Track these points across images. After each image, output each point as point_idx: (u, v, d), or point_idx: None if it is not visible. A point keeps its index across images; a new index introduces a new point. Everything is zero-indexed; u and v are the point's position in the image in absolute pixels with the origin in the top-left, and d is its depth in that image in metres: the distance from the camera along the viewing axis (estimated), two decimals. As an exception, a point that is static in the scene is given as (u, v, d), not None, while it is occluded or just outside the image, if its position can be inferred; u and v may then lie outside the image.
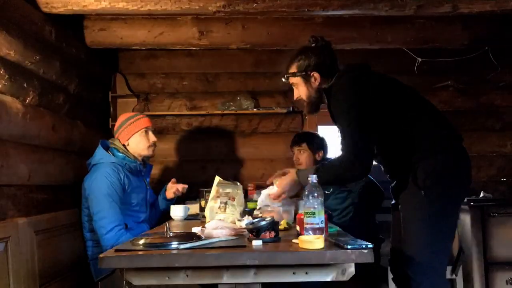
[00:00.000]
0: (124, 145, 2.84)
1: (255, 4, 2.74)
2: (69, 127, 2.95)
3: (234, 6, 2.74)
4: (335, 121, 2.23)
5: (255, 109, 3.90)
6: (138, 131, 2.84)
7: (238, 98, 3.89)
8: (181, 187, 3.06)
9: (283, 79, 2.34)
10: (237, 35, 3.35)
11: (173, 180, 3.12)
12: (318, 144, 3.28)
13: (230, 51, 3.85)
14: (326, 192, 3.16)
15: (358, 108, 2.08)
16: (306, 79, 2.26)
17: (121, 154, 2.80)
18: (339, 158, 2.12)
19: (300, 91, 2.31)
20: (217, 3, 2.73)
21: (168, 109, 3.99)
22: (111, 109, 3.85)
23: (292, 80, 2.31)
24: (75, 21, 3.15)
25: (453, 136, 2.20)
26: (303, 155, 3.25)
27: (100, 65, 3.64)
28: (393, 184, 2.31)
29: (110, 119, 3.84)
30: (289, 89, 3.95)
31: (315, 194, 1.79)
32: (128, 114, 2.99)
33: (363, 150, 2.06)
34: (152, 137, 2.89)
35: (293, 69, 2.29)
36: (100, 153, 2.76)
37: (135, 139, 2.84)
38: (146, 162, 2.99)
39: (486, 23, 3.39)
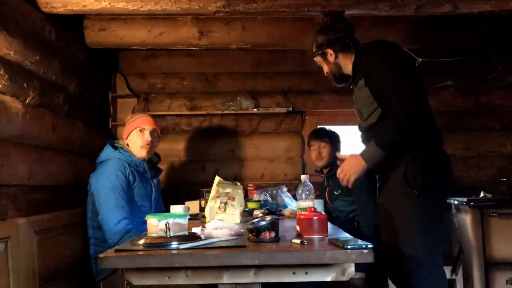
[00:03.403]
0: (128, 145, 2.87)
1: (255, 4, 2.74)
2: (69, 127, 2.95)
3: (234, 6, 2.74)
4: (376, 90, 2.22)
5: (255, 109, 3.90)
6: (134, 129, 2.84)
7: (238, 98, 3.89)
8: None
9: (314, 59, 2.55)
10: (237, 35, 3.35)
11: None
12: (337, 142, 3.35)
13: (230, 51, 3.85)
14: (335, 193, 3.18)
15: (404, 66, 2.23)
16: (323, 56, 2.46)
17: (127, 153, 2.81)
18: (393, 116, 2.12)
19: (324, 67, 2.52)
20: (217, 3, 2.73)
21: (168, 109, 3.99)
22: (111, 109, 3.86)
23: (316, 59, 2.52)
24: (75, 21, 3.16)
25: (440, 136, 2.28)
26: (325, 149, 3.28)
27: (100, 65, 3.65)
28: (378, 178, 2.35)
29: (110, 119, 3.84)
30: (289, 90, 4.02)
31: (307, 193, 2.06)
32: (130, 115, 3.03)
33: (417, 103, 2.12)
34: (147, 137, 2.82)
35: (313, 49, 2.50)
36: (107, 151, 2.79)
37: (131, 137, 2.84)
38: (154, 163, 2.99)
39: (486, 23, 3.39)
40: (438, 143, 2.25)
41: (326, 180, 3.30)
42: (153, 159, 3.00)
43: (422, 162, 2.14)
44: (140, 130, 2.83)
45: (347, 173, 2.23)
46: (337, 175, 2.28)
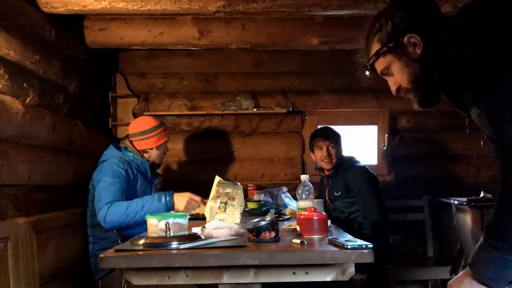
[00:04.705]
0: (141, 149, 2.93)
1: (255, 4, 2.73)
2: (69, 127, 2.95)
3: (234, 6, 2.74)
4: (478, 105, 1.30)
5: (255, 109, 3.90)
6: (165, 140, 3.02)
7: (238, 98, 3.89)
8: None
9: (367, 73, 1.53)
10: (237, 35, 3.35)
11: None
12: (341, 142, 3.25)
13: (230, 51, 3.85)
14: (335, 194, 3.17)
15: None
16: (398, 51, 1.40)
17: (130, 153, 2.88)
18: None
19: (397, 75, 1.45)
20: (217, 3, 2.73)
21: (168, 109, 3.99)
22: (111, 109, 3.85)
23: (380, 64, 1.46)
24: (75, 21, 3.15)
25: None
26: (334, 150, 3.16)
27: (100, 65, 3.64)
28: None
29: (110, 119, 3.84)
30: (289, 90, 4.02)
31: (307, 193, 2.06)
32: (154, 121, 3.00)
33: None
34: (168, 149, 3.11)
35: (375, 46, 1.45)
36: (109, 151, 2.85)
37: (160, 149, 3.01)
38: (155, 167, 3.05)
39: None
40: None
41: (327, 179, 3.28)
42: (154, 165, 3.06)
43: None
44: (166, 143, 3.06)
45: None
46: None
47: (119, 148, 2.89)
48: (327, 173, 3.22)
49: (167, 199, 2.54)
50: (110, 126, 3.85)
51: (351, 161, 3.21)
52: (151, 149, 2.96)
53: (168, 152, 3.92)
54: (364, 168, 3.17)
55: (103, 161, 2.79)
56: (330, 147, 3.16)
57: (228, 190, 2.35)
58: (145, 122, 2.99)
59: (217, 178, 2.41)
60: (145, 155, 2.95)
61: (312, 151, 3.28)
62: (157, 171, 3.15)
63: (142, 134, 2.92)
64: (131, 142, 2.93)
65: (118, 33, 3.32)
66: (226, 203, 2.33)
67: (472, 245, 3.20)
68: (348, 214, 3.13)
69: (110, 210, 2.51)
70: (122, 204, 2.55)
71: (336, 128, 3.38)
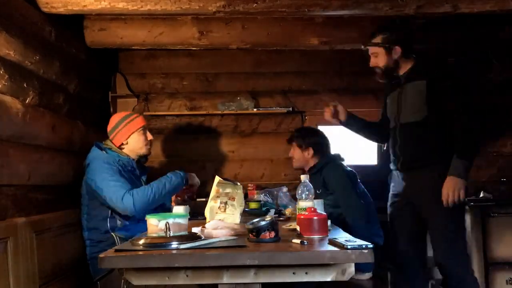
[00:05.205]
0: (119, 145, 2.87)
1: (255, 4, 2.73)
2: (69, 127, 2.95)
3: (234, 6, 2.74)
4: (436, 99, 2.57)
5: (255, 109, 3.90)
6: (136, 130, 2.88)
7: (238, 98, 3.89)
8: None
9: (363, 47, 2.80)
10: (237, 35, 3.35)
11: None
12: (308, 142, 3.24)
13: (230, 51, 3.85)
14: (317, 191, 3.15)
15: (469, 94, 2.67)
16: (388, 50, 2.69)
17: (114, 153, 2.82)
18: (464, 130, 2.51)
19: (378, 60, 2.73)
20: (217, 3, 2.73)
21: (168, 109, 3.99)
22: (111, 109, 3.85)
23: (374, 49, 2.74)
24: (75, 21, 3.15)
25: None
26: (294, 152, 3.29)
27: (100, 65, 3.64)
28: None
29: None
30: (289, 90, 4.02)
31: (307, 193, 2.07)
32: (122, 114, 2.97)
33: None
34: (149, 136, 2.95)
35: (378, 39, 2.71)
36: (94, 152, 2.80)
37: (133, 138, 2.88)
38: (142, 162, 3.00)
39: (486, 23, 3.38)
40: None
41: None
42: (141, 159, 2.99)
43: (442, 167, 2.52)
44: (143, 130, 2.91)
45: (455, 192, 2.46)
46: (444, 200, 2.48)
47: (102, 149, 2.82)
48: (306, 172, 3.25)
49: (183, 174, 2.82)
50: (110, 126, 3.84)
51: (332, 158, 3.22)
52: (125, 142, 2.87)
53: (168, 152, 3.95)
54: (338, 165, 3.17)
55: (89, 163, 2.74)
56: (292, 148, 3.32)
57: (228, 190, 2.35)
58: (113, 118, 2.96)
59: (217, 178, 2.41)
60: (124, 150, 2.87)
61: None
62: (145, 165, 3.08)
63: (113, 130, 2.89)
64: (111, 142, 2.89)
65: (118, 33, 3.32)
66: (226, 203, 2.33)
67: (472, 245, 3.20)
68: (332, 211, 3.09)
69: (136, 197, 2.58)
70: (144, 188, 2.65)
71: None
